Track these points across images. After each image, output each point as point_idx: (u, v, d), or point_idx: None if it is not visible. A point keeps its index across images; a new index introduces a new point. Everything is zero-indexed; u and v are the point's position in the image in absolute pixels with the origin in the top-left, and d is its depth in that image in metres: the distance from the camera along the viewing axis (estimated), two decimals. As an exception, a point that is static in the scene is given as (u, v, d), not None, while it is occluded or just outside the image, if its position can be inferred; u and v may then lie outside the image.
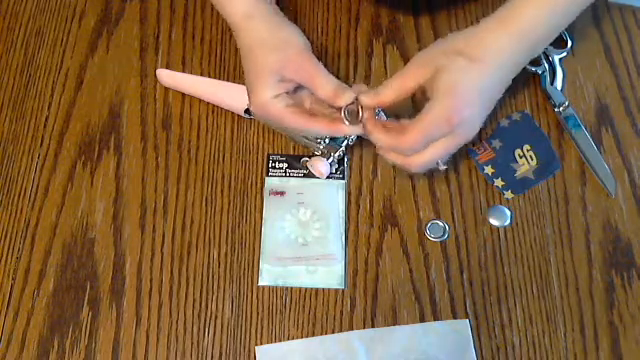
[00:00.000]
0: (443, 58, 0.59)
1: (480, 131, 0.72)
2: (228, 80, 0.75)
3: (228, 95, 0.72)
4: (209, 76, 0.75)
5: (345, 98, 0.60)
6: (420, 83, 0.60)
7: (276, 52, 0.62)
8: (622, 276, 0.66)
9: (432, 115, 0.58)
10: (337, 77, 0.71)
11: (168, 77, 0.74)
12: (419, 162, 0.61)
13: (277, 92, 0.62)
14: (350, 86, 0.62)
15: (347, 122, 0.61)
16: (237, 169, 0.70)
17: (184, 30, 0.78)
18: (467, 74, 0.58)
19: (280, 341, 0.63)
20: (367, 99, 0.61)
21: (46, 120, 0.73)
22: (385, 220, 0.68)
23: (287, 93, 0.63)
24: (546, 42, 0.63)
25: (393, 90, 0.60)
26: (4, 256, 0.66)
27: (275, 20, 0.63)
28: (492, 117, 0.73)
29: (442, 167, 0.64)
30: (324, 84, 0.61)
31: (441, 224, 0.68)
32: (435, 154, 0.60)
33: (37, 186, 0.69)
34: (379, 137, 0.61)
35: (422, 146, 0.59)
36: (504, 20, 0.60)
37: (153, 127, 0.72)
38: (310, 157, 0.70)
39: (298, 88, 0.63)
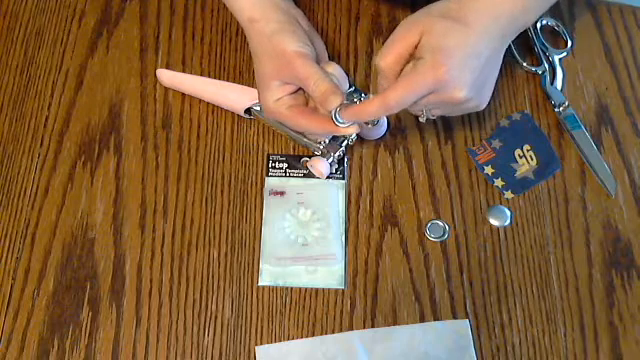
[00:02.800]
0: (428, 21, 0.59)
1: (480, 131, 0.72)
2: (228, 80, 0.75)
3: (228, 95, 0.72)
4: (209, 76, 0.75)
5: (332, 103, 0.60)
6: (409, 48, 0.60)
7: (271, 60, 0.63)
8: (622, 276, 0.66)
9: (417, 71, 0.58)
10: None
11: (168, 77, 0.74)
12: (396, 99, 0.59)
13: (279, 96, 0.64)
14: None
15: (338, 123, 0.61)
16: (237, 169, 0.70)
17: (184, 30, 0.78)
18: (452, 34, 0.58)
19: (280, 341, 0.63)
20: (379, 59, 0.61)
21: (46, 120, 0.73)
22: (385, 220, 0.68)
23: (291, 94, 0.64)
24: (538, 10, 0.63)
25: (391, 60, 0.61)
26: (4, 256, 0.66)
27: (275, 27, 0.63)
28: (492, 117, 0.73)
29: (422, 119, 0.64)
30: (314, 89, 0.61)
31: (441, 224, 0.68)
32: (420, 104, 0.60)
33: (37, 186, 0.69)
34: (369, 109, 0.60)
35: (408, 103, 0.59)
36: None
37: (153, 127, 0.72)
38: (310, 157, 0.70)
39: (301, 88, 0.64)
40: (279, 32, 0.63)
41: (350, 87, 0.70)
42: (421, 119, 0.64)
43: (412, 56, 0.60)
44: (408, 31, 0.60)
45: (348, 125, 0.61)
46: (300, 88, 0.64)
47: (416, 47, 0.59)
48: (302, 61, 0.61)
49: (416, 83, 0.58)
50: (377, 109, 0.59)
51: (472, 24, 0.59)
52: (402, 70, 0.61)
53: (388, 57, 0.61)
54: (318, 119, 0.63)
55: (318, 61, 0.64)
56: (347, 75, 0.68)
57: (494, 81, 0.63)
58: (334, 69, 0.66)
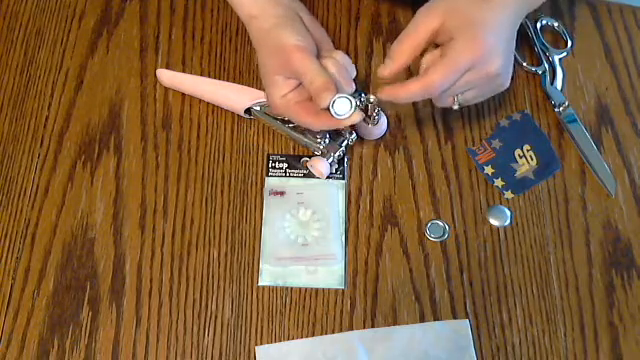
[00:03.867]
0: (448, 4, 0.60)
1: (480, 131, 0.72)
2: (228, 80, 0.75)
3: (228, 95, 0.72)
4: (209, 76, 0.75)
5: (324, 99, 0.60)
6: (431, 33, 0.60)
7: (271, 55, 0.63)
8: (622, 276, 0.66)
9: (455, 49, 0.59)
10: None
11: (168, 77, 0.74)
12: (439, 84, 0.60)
13: (284, 91, 0.64)
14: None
15: (336, 116, 0.61)
16: (237, 169, 0.70)
17: (184, 30, 0.78)
18: (477, 10, 0.59)
19: (280, 341, 0.63)
20: (383, 70, 0.61)
21: (46, 120, 0.73)
22: (385, 220, 0.68)
23: (296, 89, 0.64)
24: None
25: (406, 48, 0.61)
26: (4, 256, 0.66)
27: (274, 22, 0.63)
28: (492, 117, 0.73)
29: (456, 106, 0.64)
30: (309, 85, 0.61)
31: (441, 224, 0.68)
32: (457, 86, 0.60)
33: (37, 186, 0.69)
34: (411, 89, 0.60)
35: (451, 82, 0.59)
36: None
37: (153, 127, 0.72)
38: (310, 157, 0.70)
39: None
40: (277, 27, 0.63)
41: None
42: (454, 106, 0.64)
43: (429, 44, 0.60)
44: (427, 16, 0.61)
45: (349, 115, 0.61)
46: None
47: (436, 34, 0.60)
48: (300, 55, 0.61)
49: (456, 61, 0.59)
50: (419, 90, 0.60)
51: (492, 0, 0.60)
52: (413, 60, 0.61)
53: (404, 43, 0.61)
54: (323, 116, 0.63)
55: (319, 51, 0.64)
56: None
57: (513, 60, 0.64)
58: (341, 57, 0.65)
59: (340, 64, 0.64)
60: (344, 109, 0.61)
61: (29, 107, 0.74)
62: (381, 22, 0.79)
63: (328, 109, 0.61)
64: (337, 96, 0.61)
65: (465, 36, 0.59)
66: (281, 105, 0.64)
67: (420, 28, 0.61)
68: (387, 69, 0.61)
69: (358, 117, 0.62)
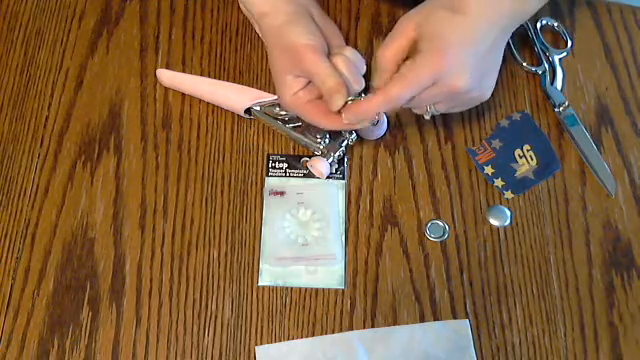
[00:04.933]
0: (424, 13, 0.60)
1: (480, 131, 0.72)
2: (228, 80, 0.75)
3: (228, 95, 0.72)
4: (209, 76, 0.75)
5: (335, 102, 0.61)
6: (407, 43, 0.61)
7: (282, 54, 0.63)
8: (622, 276, 0.66)
9: (417, 63, 0.58)
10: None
11: (168, 77, 0.74)
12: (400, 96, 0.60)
13: (295, 89, 0.63)
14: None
15: (347, 120, 0.62)
16: (237, 169, 0.70)
17: (184, 30, 0.78)
18: (448, 23, 0.58)
19: (280, 341, 0.63)
20: (374, 82, 0.63)
21: (46, 120, 0.73)
22: (385, 220, 0.68)
23: (306, 87, 0.64)
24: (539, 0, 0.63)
25: (389, 57, 0.61)
26: (4, 256, 0.66)
27: (284, 19, 0.63)
28: (492, 117, 0.73)
29: (427, 116, 0.64)
30: (321, 86, 0.61)
31: (441, 224, 0.68)
32: (422, 99, 0.60)
33: (37, 186, 0.69)
34: (371, 106, 0.60)
35: (411, 95, 0.59)
36: None
37: (153, 127, 0.72)
38: (310, 157, 0.70)
39: None
40: (287, 24, 0.63)
41: None
42: (426, 116, 0.64)
43: (411, 51, 0.60)
44: (405, 26, 0.61)
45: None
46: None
47: (414, 42, 0.60)
48: (311, 56, 0.61)
49: (416, 75, 0.58)
50: (379, 105, 0.60)
51: (471, 13, 0.58)
52: (399, 67, 0.61)
53: (387, 51, 0.61)
54: (333, 117, 0.63)
55: (330, 48, 0.64)
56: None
57: (496, 72, 0.63)
58: (351, 53, 0.65)
59: (350, 61, 0.64)
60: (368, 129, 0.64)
61: (29, 107, 0.74)
62: (381, 22, 0.79)
63: (339, 112, 0.61)
64: (350, 99, 0.61)
65: (430, 49, 0.58)
66: (292, 103, 0.64)
67: (397, 37, 0.61)
68: (376, 81, 0.62)
69: (368, 122, 0.62)
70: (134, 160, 0.71)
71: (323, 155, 0.69)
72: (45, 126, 0.73)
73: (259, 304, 0.64)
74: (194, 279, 0.65)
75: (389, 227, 0.68)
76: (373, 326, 0.63)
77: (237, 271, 0.66)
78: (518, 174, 0.70)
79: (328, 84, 0.60)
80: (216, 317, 0.64)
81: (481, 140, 0.72)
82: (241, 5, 0.70)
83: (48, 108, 0.74)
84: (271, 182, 0.70)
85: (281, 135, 0.72)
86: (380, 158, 0.71)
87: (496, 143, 0.72)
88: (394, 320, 0.64)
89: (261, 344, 0.63)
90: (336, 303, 0.64)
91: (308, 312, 0.64)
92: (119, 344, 0.62)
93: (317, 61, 0.61)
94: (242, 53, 0.77)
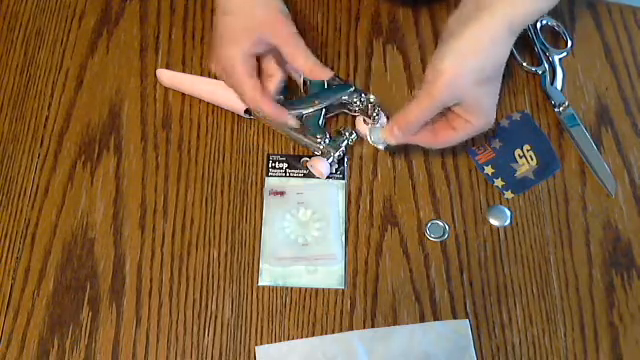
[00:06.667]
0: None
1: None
2: (228, 80, 0.75)
3: (228, 95, 0.72)
4: (209, 76, 0.75)
5: (326, 73, 0.64)
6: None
7: (262, 8, 0.64)
8: (622, 276, 0.66)
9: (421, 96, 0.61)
10: (337, 77, 0.72)
11: (168, 77, 0.74)
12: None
13: (250, 52, 0.65)
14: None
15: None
16: (237, 169, 0.70)
17: (184, 30, 0.78)
18: (453, 56, 0.60)
19: (280, 341, 0.63)
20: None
21: (46, 120, 0.73)
22: (385, 220, 0.68)
23: (256, 58, 0.66)
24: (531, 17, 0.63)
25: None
26: (4, 256, 0.66)
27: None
28: (492, 117, 0.73)
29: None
30: (305, 56, 0.64)
31: (441, 224, 0.68)
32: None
33: (37, 186, 0.69)
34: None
35: (420, 125, 0.63)
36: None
37: (153, 127, 0.72)
38: (310, 157, 0.70)
39: (265, 57, 0.67)
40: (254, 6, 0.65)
41: (350, 87, 0.70)
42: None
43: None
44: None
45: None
46: (261, 57, 0.66)
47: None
48: (292, 23, 0.64)
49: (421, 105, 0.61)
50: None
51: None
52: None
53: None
54: (271, 101, 0.66)
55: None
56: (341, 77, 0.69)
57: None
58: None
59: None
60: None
61: (29, 107, 0.74)
62: (381, 22, 0.79)
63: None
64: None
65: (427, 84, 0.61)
66: (239, 62, 0.64)
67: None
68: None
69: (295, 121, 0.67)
70: (134, 160, 0.71)
71: (323, 155, 0.69)
72: (45, 126, 0.73)
73: (259, 304, 0.64)
74: (194, 279, 0.65)
75: (389, 227, 0.68)
76: (373, 326, 0.63)
77: (237, 271, 0.66)
78: (518, 174, 0.70)
79: (312, 57, 0.64)
80: (216, 317, 0.64)
81: (481, 140, 0.72)
82: None
83: (48, 108, 0.74)
84: (271, 182, 0.70)
85: (281, 135, 0.72)
86: (380, 158, 0.71)
87: (496, 143, 0.72)
88: (394, 320, 0.64)
89: (261, 344, 0.63)
90: (336, 303, 0.64)
91: (308, 312, 0.64)
92: (119, 344, 0.62)
93: (297, 33, 0.64)
94: (242, 53, 0.77)
